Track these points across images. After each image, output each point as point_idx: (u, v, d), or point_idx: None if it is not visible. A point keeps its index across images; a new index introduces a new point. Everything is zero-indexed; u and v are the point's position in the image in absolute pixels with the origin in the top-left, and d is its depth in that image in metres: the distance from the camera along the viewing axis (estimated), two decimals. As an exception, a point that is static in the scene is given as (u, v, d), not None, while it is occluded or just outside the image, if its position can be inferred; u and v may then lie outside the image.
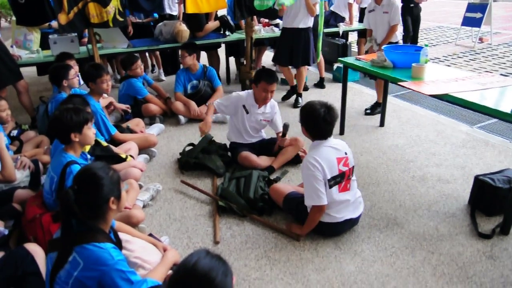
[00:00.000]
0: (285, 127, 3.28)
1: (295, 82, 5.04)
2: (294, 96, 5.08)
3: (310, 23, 4.63)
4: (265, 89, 3.24)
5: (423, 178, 3.26)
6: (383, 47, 3.62)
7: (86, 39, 5.64)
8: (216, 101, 3.43)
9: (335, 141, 2.45)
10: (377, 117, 4.50)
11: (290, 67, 5.02)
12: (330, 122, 2.37)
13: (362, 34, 6.18)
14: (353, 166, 2.47)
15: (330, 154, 2.37)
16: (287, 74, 5.01)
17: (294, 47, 4.65)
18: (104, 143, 3.14)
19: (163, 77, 6.44)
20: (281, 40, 4.80)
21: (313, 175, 2.32)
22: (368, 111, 4.60)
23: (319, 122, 2.36)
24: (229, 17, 5.61)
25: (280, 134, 3.37)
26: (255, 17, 5.46)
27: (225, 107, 3.40)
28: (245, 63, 5.49)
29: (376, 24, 4.24)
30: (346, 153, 2.44)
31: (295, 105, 4.90)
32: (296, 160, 3.50)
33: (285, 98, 5.07)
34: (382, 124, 4.32)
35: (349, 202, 2.47)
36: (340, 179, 2.39)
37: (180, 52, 4.64)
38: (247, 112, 3.38)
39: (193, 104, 4.50)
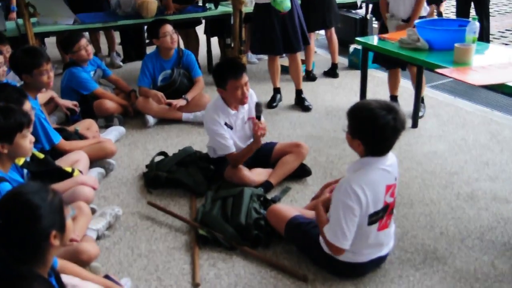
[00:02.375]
0: (258, 107, 3.30)
1: (278, 84, 4.98)
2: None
3: None
4: (237, 86, 3.23)
5: (472, 197, 3.25)
6: (415, 22, 3.63)
7: (15, 13, 5.61)
8: (216, 147, 3.39)
9: (389, 158, 2.37)
10: (406, 114, 4.46)
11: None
12: (401, 130, 2.27)
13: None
14: (396, 196, 2.45)
15: (380, 181, 2.31)
16: (276, 68, 4.88)
17: (288, 24, 4.51)
18: (40, 155, 3.10)
19: (119, 61, 6.42)
20: (262, 19, 4.58)
21: (349, 207, 2.27)
22: None
23: (387, 133, 2.22)
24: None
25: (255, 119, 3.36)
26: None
27: (229, 143, 3.34)
28: (232, 45, 5.48)
29: None
30: (396, 179, 2.40)
31: (302, 106, 4.83)
32: (301, 173, 3.50)
33: (271, 105, 4.89)
34: (415, 124, 4.33)
35: (382, 244, 2.47)
36: (382, 214, 2.36)
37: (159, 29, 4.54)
38: (232, 128, 3.40)
39: (157, 93, 4.50)
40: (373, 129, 2.23)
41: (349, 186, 2.27)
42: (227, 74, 3.24)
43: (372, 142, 2.29)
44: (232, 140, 3.38)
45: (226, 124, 3.35)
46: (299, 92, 4.93)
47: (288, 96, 5.06)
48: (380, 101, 2.30)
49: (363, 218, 2.32)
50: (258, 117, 3.30)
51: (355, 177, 2.30)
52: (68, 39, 4.48)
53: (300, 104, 4.86)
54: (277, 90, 5.00)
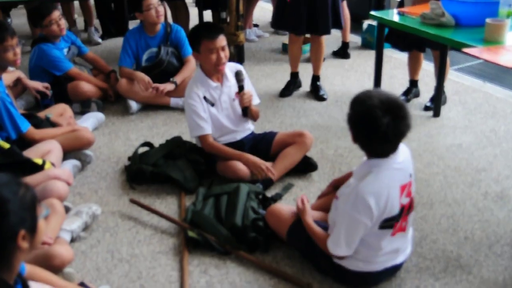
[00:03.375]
0: (238, 76, 3.41)
1: (297, 69, 4.92)
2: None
3: None
4: (211, 48, 3.29)
5: (501, 197, 3.26)
6: (439, -6, 3.63)
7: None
8: (190, 126, 3.45)
9: (399, 153, 2.34)
10: (426, 101, 4.51)
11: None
12: (395, 140, 2.25)
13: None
14: (414, 192, 2.45)
15: (393, 184, 2.30)
16: (297, 51, 4.84)
17: (317, 0, 4.42)
18: (6, 144, 3.10)
19: (97, 38, 6.40)
20: None
21: (358, 222, 2.27)
22: (403, 97, 4.61)
23: (376, 138, 2.22)
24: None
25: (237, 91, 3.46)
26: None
27: (206, 122, 3.40)
28: (228, 20, 5.46)
29: None
30: (411, 175, 2.39)
31: (316, 94, 4.82)
32: (305, 167, 3.52)
33: (284, 93, 4.88)
34: (437, 113, 4.35)
35: (398, 251, 2.48)
36: (397, 218, 2.36)
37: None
38: (213, 104, 3.42)
39: (144, 77, 4.49)
40: (362, 128, 2.25)
41: (359, 197, 2.24)
42: (201, 35, 3.32)
43: (370, 144, 2.30)
44: (215, 119, 3.43)
45: (205, 98, 3.40)
46: (315, 78, 4.89)
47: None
48: (384, 96, 2.23)
49: (373, 225, 2.32)
50: (241, 87, 3.39)
51: (364, 185, 2.26)
52: (37, 11, 4.45)
53: (315, 92, 4.85)
54: (294, 75, 4.94)
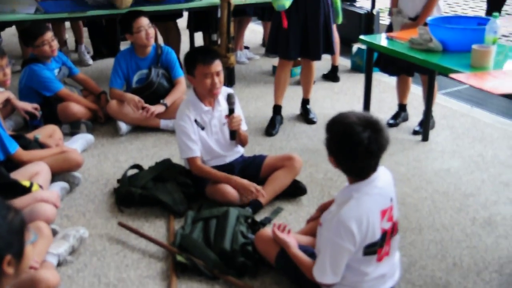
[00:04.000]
0: (229, 98, 3.40)
1: (280, 101, 4.71)
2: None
3: None
4: (206, 73, 3.30)
5: (489, 223, 3.27)
6: (427, 20, 3.66)
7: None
8: (179, 148, 3.46)
9: (380, 177, 2.36)
10: (415, 125, 4.54)
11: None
12: (378, 153, 2.25)
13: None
14: (397, 216, 2.45)
15: (373, 208, 2.30)
16: (284, 79, 4.64)
17: (310, 26, 4.36)
18: (-8, 166, 3.08)
19: (88, 59, 6.42)
20: (280, 16, 4.36)
21: (341, 248, 2.27)
22: (391, 121, 4.65)
23: (359, 154, 2.22)
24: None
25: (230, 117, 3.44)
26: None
27: (196, 144, 3.41)
28: (219, 42, 5.49)
29: None
30: (391, 199, 2.40)
31: (305, 117, 4.80)
32: (294, 191, 3.52)
33: (271, 133, 4.57)
34: (425, 137, 4.37)
35: (385, 276, 2.46)
36: (381, 243, 2.36)
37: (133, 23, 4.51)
38: (203, 128, 3.44)
39: (134, 97, 4.49)
40: (344, 147, 2.25)
41: (341, 223, 2.24)
42: (196, 59, 3.32)
43: (348, 164, 2.30)
44: (205, 142, 3.44)
45: (196, 121, 3.41)
46: (305, 102, 4.87)
47: (289, 103, 5.04)
48: (362, 114, 2.27)
49: (357, 251, 2.31)
50: (231, 110, 3.39)
51: (345, 211, 2.26)
52: (29, 31, 4.46)
53: (305, 115, 4.83)
54: (277, 110, 4.70)
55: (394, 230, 2.42)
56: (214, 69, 3.31)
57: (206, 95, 3.41)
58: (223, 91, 3.51)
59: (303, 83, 4.83)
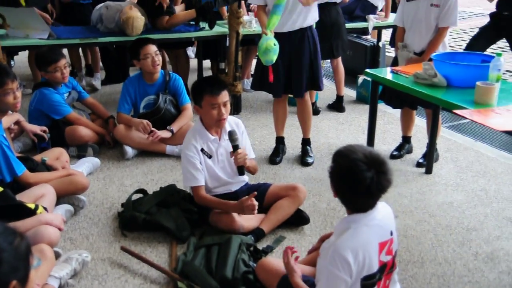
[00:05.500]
0: (230, 135, 3.37)
1: (282, 133, 4.65)
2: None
3: (312, 17, 4.28)
4: (213, 104, 3.30)
5: (492, 258, 3.25)
6: (432, 55, 3.68)
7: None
8: (184, 177, 3.44)
9: (379, 210, 2.35)
10: (419, 157, 4.54)
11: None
12: (377, 194, 2.25)
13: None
14: (396, 250, 2.43)
15: (372, 240, 2.29)
16: (281, 113, 4.57)
17: (293, 63, 4.27)
18: (-1, 188, 3.09)
19: (97, 84, 6.49)
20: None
21: (337, 278, 2.24)
22: (395, 153, 4.65)
23: (360, 191, 2.21)
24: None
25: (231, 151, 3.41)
26: (243, 2, 5.55)
27: (201, 174, 3.40)
28: (227, 70, 5.53)
29: (414, 22, 4.25)
30: (392, 233, 2.38)
31: (302, 159, 4.56)
32: (297, 220, 3.51)
33: (274, 161, 4.53)
34: (429, 170, 4.35)
35: None
36: (379, 276, 2.34)
37: (140, 49, 4.55)
38: (210, 157, 3.43)
39: (142, 121, 4.52)
40: (345, 181, 2.24)
41: (337, 253, 2.22)
42: (204, 90, 3.32)
43: (350, 199, 2.30)
44: (212, 170, 3.43)
45: (203, 150, 3.41)
46: (304, 142, 4.64)
47: (293, 132, 5.03)
48: (369, 152, 2.25)
49: (354, 282, 2.28)
50: (235, 147, 3.35)
51: (342, 240, 2.25)
52: (45, 56, 4.50)
53: (302, 156, 4.58)
54: (280, 140, 4.66)
55: (393, 264, 2.40)
56: (221, 100, 3.31)
57: (213, 125, 3.41)
58: (231, 121, 3.52)
59: (300, 122, 4.62)
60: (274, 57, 3.84)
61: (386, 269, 2.34)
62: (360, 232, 2.26)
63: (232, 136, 3.37)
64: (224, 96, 3.33)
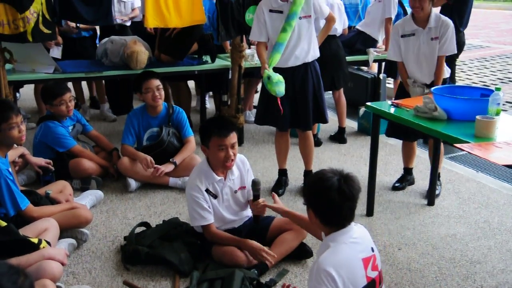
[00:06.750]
0: (254, 184, 3.34)
1: (284, 165, 4.65)
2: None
3: (317, 50, 4.39)
4: (221, 145, 3.27)
5: (495, 291, 3.22)
6: (432, 89, 3.70)
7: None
8: (191, 216, 3.42)
9: (355, 230, 2.44)
10: (422, 190, 4.52)
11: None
12: (349, 197, 2.33)
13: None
14: (381, 268, 2.45)
15: (353, 255, 2.34)
16: (284, 146, 4.57)
17: (298, 97, 4.30)
18: (2, 222, 3.08)
19: (110, 114, 6.59)
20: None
21: None
22: (397, 184, 4.64)
23: (332, 197, 2.31)
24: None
25: (251, 199, 3.41)
26: (245, 36, 5.61)
27: (210, 212, 3.38)
28: (229, 102, 5.56)
29: (420, 56, 4.30)
30: (373, 249, 2.42)
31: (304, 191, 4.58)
32: (300, 253, 3.49)
33: (277, 192, 4.41)
34: (431, 202, 4.34)
35: None
36: None
37: (143, 83, 4.61)
38: (215, 197, 3.41)
39: (146, 157, 4.53)
40: (317, 192, 2.37)
41: (320, 269, 2.27)
42: (211, 131, 3.29)
43: (323, 211, 2.38)
44: (217, 211, 3.41)
45: (208, 191, 3.38)
46: (307, 174, 4.59)
47: (296, 163, 5.02)
48: (336, 168, 2.43)
49: None
50: (256, 197, 3.32)
51: (323, 258, 2.31)
52: (50, 90, 4.54)
53: (304, 188, 4.59)
54: (282, 173, 4.66)
55: (381, 280, 2.43)
56: (229, 141, 3.27)
57: (220, 166, 3.37)
58: (243, 165, 3.51)
59: (302, 154, 4.62)
60: (282, 88, 3.93)
61: (376, 285, 2.38)
62: (339, 249, 2.34)
63: (255, 186, 3.32)
64: (232, 138, 3.29)
